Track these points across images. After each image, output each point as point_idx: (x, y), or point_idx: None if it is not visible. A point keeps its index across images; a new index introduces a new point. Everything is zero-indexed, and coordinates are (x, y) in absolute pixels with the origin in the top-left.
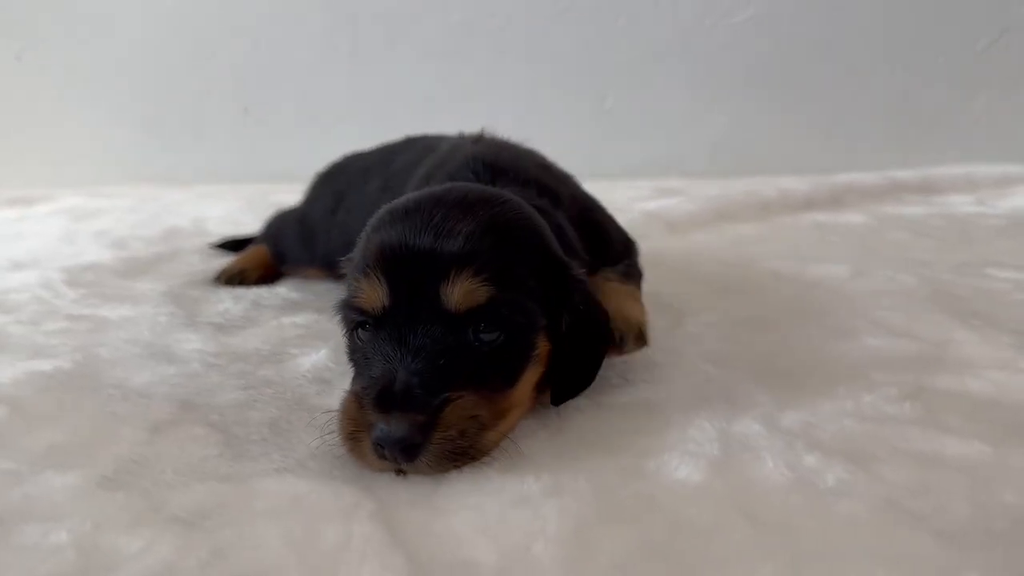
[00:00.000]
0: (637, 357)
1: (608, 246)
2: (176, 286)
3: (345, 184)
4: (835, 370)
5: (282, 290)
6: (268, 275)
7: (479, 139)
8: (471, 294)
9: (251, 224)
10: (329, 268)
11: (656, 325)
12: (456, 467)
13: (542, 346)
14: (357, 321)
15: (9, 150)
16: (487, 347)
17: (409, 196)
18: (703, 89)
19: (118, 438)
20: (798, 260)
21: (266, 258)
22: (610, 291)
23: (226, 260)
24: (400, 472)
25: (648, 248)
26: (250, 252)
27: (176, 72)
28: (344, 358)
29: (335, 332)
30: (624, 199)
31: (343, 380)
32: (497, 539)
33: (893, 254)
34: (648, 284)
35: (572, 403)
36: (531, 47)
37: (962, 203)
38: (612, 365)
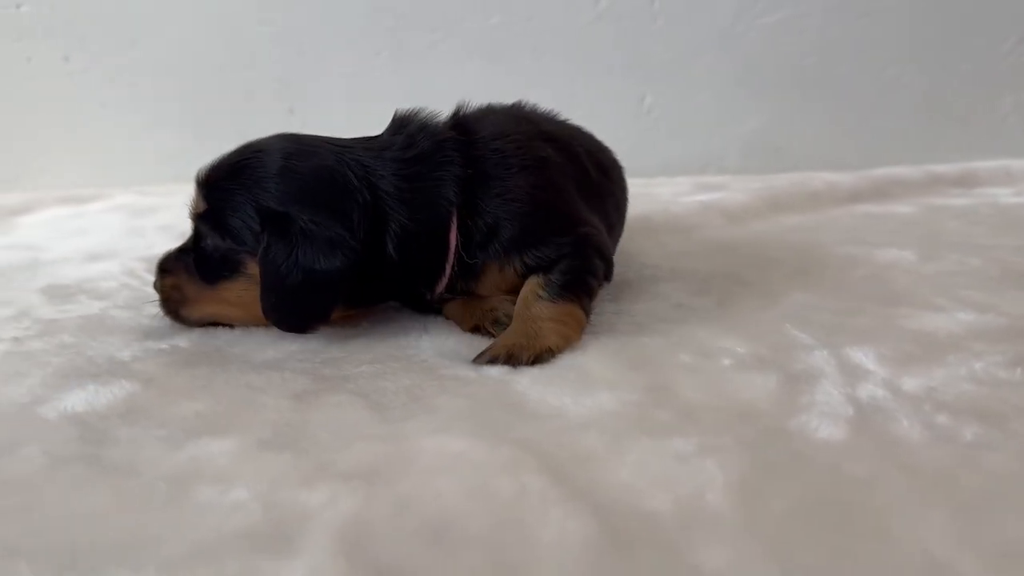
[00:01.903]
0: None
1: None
2: None
3: None
4: (936, 342)
5: None
6: None
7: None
8: (195, 204)
9: None
10: None
11: (749, 305)
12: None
13: (251, 267)
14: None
15: (57, 150)
16: (206, 250)
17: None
18: (740, 88)
19: (262, 406)
20: (863, 245)
21: None
22: (526, 317)
23: None
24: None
25: (711, 236)
26: None
27: (222, 74)
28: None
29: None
30: (668, 194)
31: (470, 352)
32: (669, 490)
33: (953, 240)
34: (727, 268)
35: (690, 368)
36: (570, 48)
37: (1003, 194)
38: (722, 334)
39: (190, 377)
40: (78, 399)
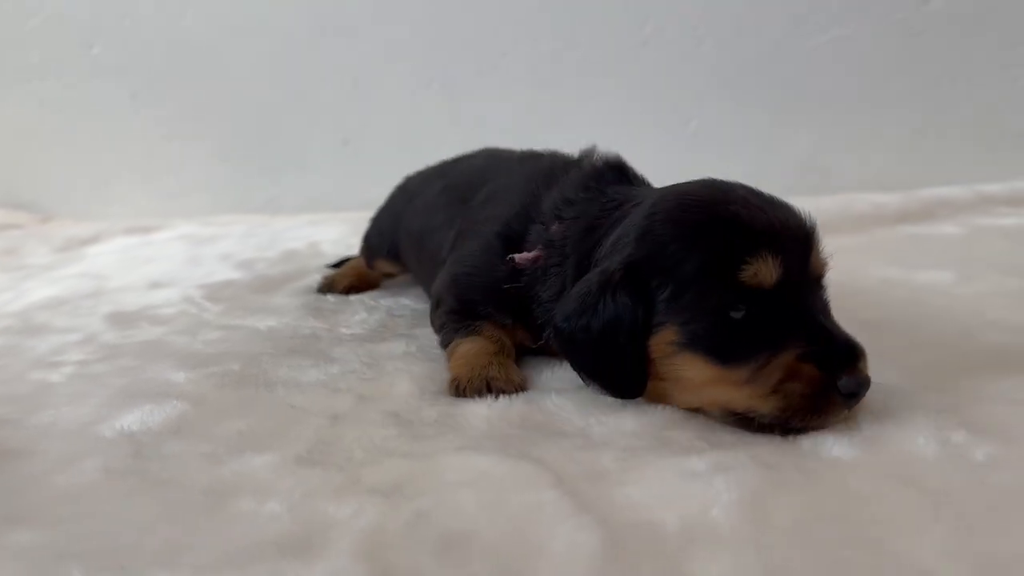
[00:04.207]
0: None
1: None
2: (311, 300)
3: (413, 187)
4: (967, 361)
5: (407, 301)
6: (357, 285)
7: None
8: (826, 262)
9: (358, 245)
10: (395, 258)
11: None
12: None
13: None
14: (727, 302)
15: (124, 183)
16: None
17: (695, 191)
18: (786, 110)
19: (302, 424)
20: (903, 268)
21: (355, 270)
22: None
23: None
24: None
25: None
26: (345, 265)
27: (279, 109)
28: None
29: None
30: None
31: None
32: (676, 506)
33: (994, 260)
34: None
35: None
36: (616, 74)
37: None
38: None
39: (237, 399)
40: (134, 418)
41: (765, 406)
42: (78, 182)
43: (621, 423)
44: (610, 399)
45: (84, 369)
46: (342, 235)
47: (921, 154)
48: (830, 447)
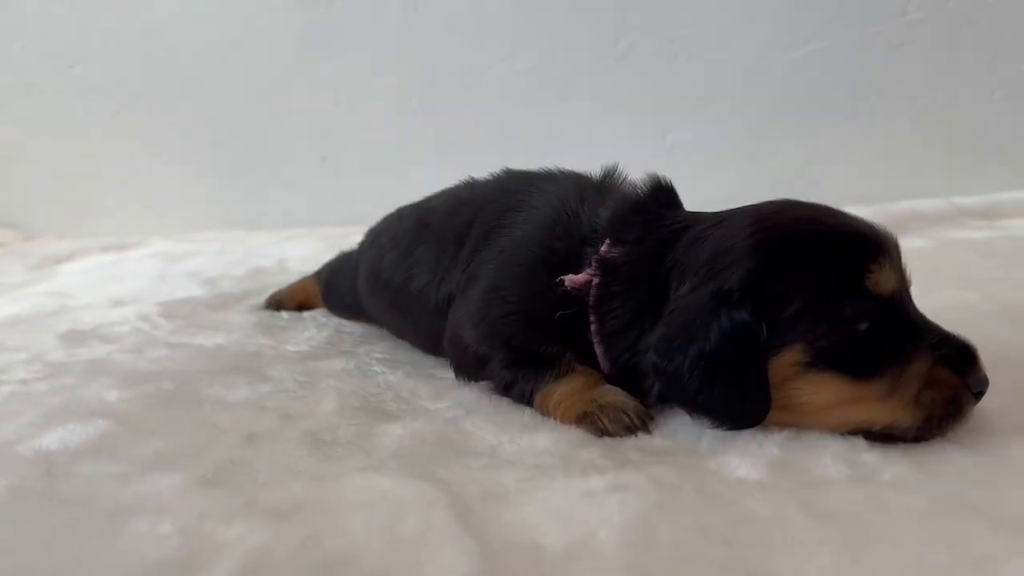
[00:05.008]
0: None
1: None
2: (264, 317)
3: (378, 237)
4: None
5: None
6: (305, 306)
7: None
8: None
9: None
10: (356, 312)
11: None
12: None
13: None
14: (855, 314)
15: (107, 201)
16: None
17: (787, 207)
18: (764, 124)
19: (217, 444)
20: None
21: (305, 289)
22: None
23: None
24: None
25: None
26: (295, 283)
27: (261, 126)
28: None
29: (409, 356)
30: None
31: (421, 396)
32: (564, 527)
33: (958, 274)
34: None
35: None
36: (593, 89)
37: None
38: None
39: (164, 418)
40: (55, 437)
41: (909, 418)
42: (61, 200)
43: (535, 441)
44: (523, 416)
45: (23, 388)
46: (313, 252)
47: (902, 166)
48: (735, 467)
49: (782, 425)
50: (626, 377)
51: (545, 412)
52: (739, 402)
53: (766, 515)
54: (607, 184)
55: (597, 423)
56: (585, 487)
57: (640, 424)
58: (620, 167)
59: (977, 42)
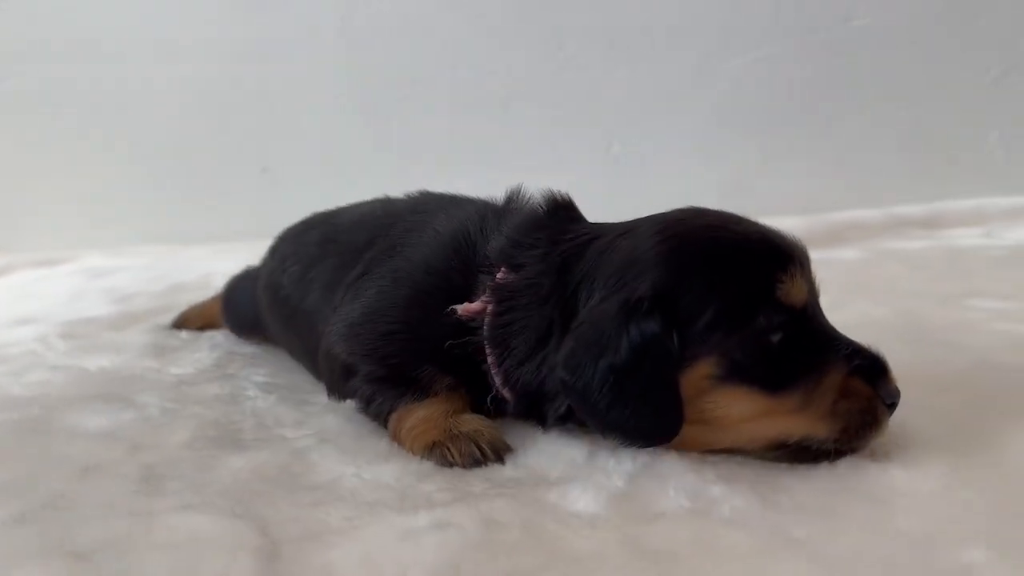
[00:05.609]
0: None
1: None
2: (161, 338)
3: (281, 247)
4: None
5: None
6: (211, 324)
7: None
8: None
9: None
10: (255, 330)
11: None
12: None
13: None
14: (768, 326)
15: (41, 215)
16: None
17: (698, 215)
18: (709, 132)
19: (51, 477)
20: None
21: (212, 310)
22: None
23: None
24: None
25: None
26: (206, 301)
27: (198, 137)
28: None
29: (291, 380)
30: None
31: (284, 423)
32: (375, 570)
33: (880, 287)
34: None
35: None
36: (535, 97)
37: (967, 236)
38: None
39: (13, 447)
40: None
41: (826, 430)
42: None
43: (380, 473)
44: (379, 446)
45: None
46: (238, 265)
47: (847, 175)
48: (575, 500)
49: (692, 443)
50: (530, 403)
51: (398, 440)
52: (651, 417)
53: (586, 554)
54: (510, 208)
55: (446, 455)
56: (408, 526)
57: (493, 455)
58: (524, 188)
59: (923, 50)
